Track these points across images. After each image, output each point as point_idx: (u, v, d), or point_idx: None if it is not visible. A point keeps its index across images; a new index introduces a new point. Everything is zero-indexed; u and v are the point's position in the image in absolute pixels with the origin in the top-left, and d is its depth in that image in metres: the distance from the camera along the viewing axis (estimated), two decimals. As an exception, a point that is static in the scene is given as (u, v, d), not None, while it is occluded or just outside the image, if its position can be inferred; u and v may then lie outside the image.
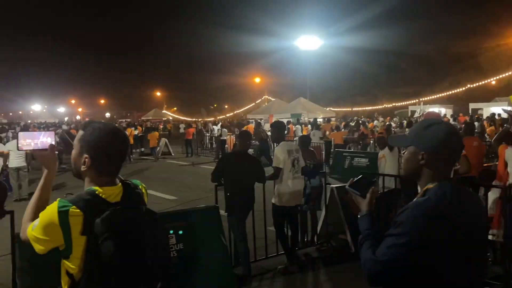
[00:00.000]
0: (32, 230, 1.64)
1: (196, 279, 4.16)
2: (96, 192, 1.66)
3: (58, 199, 1.63)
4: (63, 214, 1.57)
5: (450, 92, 37.36)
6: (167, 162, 17.88)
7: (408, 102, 36.05)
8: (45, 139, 1.92)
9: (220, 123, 24.92)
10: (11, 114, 77.28)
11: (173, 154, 20.40)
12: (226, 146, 18.61)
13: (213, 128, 21.95)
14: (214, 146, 20.14)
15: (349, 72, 46.57)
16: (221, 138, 18.20)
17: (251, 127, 21.71)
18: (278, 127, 5.59)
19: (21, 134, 1.92)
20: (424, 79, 44.56)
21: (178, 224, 4.17)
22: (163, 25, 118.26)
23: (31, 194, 7.97)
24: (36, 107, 72.83)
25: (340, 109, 40.67)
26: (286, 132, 20.61)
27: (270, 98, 45.77)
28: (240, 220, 4.93)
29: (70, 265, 1.61)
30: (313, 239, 6.03)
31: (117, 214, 1.61)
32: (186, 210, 4.99)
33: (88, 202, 1.61)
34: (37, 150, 1.90)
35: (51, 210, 1.60)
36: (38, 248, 1.63)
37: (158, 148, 20.95)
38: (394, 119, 26.66)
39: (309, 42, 33.62)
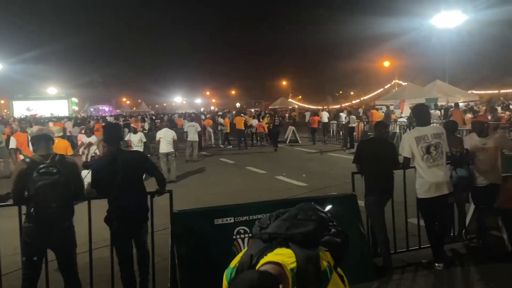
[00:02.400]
0: None
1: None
2: None
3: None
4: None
5: None
6: (295, 150, 18.17)
7: None
8: None
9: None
10: (157, 106, 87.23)
11: (300, 142, 20.66)
12: (354, 133, 18.12)
13: (340, 116, 21.55)
14: (341, 133, 19.81)
15: (497, 49, 40.79)
16: (349, 125, 17.75)
17: (376, 113, 20.72)
18: (416, 111, 5.23)
19: None
20: None
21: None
22: (287, 15, 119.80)
23: (178, 177, 8.88)
24: (178, 99, 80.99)
25: (484, 92, 36.10)
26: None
27: (400, 82, 42.95)
28: (378, 204, 4.75)
29: None
30: (460, 234, 5.51)
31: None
32: (324, 197, 5.00)
33: None
34: None
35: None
36: None
37: (286, 135, 21.44)
38: (556, 101, 22.68)
39: (448, 18, 30.36)
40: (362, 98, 53.46)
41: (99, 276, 4.12)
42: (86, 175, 4.09)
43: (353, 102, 53.55)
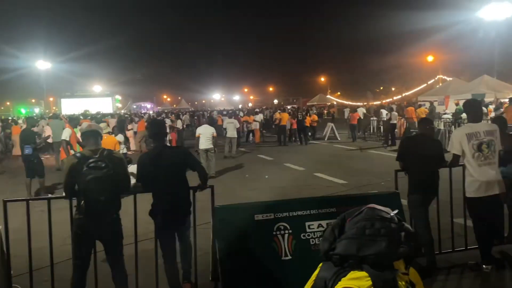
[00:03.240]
0: None
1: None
2: None
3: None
4: None
5: None
6: (334, 147, 17.94)
7: None
8: None
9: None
10: (196, 103, 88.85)
11: (339, 139, 20.38)
12: (396, 130, 17.66)
13: (381, 112, 21.03)
14: (382, 130, 19.35)
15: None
16: (391, 122, 17.31)
17: (412, 110, 20.04)
18: (467, 106, 5.00)
19: None
20: None
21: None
22: (324, 10, 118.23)
23: (217, 173, 9.01)
24: (216, 96, 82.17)
25: (537, 87, 34.09)
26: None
27: (445, 77, 41.41)
28: (422, 202, 4.62)
29: None
30: (510, 236, 5.25)
31: None
32: (366, 194, 4.92)
33: None
34: None
35: None
36: None
37: (324, 132, 21.21)
38: None
39: (497, 10, 28.80)
40: (404, 94, 51.97)
41: (144, 268, 4.26)
42: (129, 167, 4.23)
43: (394, 98, 52.14)
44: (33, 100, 68.10)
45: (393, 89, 62.73)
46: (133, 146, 17.80)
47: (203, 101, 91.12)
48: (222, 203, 4.48)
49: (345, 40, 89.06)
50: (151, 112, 45.05)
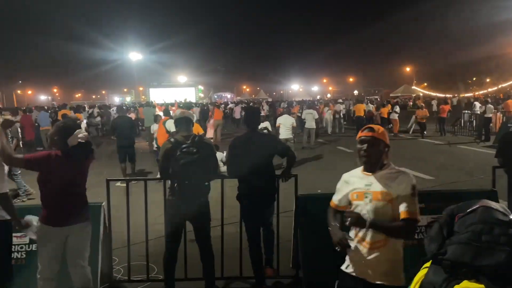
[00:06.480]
0: None
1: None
2: None
3: None
4: None
5: None
6: (420, 141, 17.01)
7: None
8: None
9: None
10: (274, 93, 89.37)
11: (425, 132, 19.25)
12: (491, 125, 16.23)
13: (474, 105, 19.45)
14: (475, 124, 17.90)
15: None
16: (485, 115, 15.95)
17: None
18: None
19: None
20: None
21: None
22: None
23: (296, 163, 8.86)
24: (295, 87, 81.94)
25: None
26: None
27: (551, 67, 37.06)
28: None
29: None
30: None
31: None
32: (458, 191, 4.62)
33: None
34: None
35: None
36: None
37: (408, 125, 20.16)
38: None
39: None
40: (500, 86, 47.53)
41: (229, 250, 4.42)
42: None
43: (489, 89, 47.87)
44: (125, 90, 73.48)
45: (487, 80, 57.62)
46: (209, 134, 18.49)
47: (281, 92, 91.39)
48: (303, 193, 4.50)
49: (433, 30, 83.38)
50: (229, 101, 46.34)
